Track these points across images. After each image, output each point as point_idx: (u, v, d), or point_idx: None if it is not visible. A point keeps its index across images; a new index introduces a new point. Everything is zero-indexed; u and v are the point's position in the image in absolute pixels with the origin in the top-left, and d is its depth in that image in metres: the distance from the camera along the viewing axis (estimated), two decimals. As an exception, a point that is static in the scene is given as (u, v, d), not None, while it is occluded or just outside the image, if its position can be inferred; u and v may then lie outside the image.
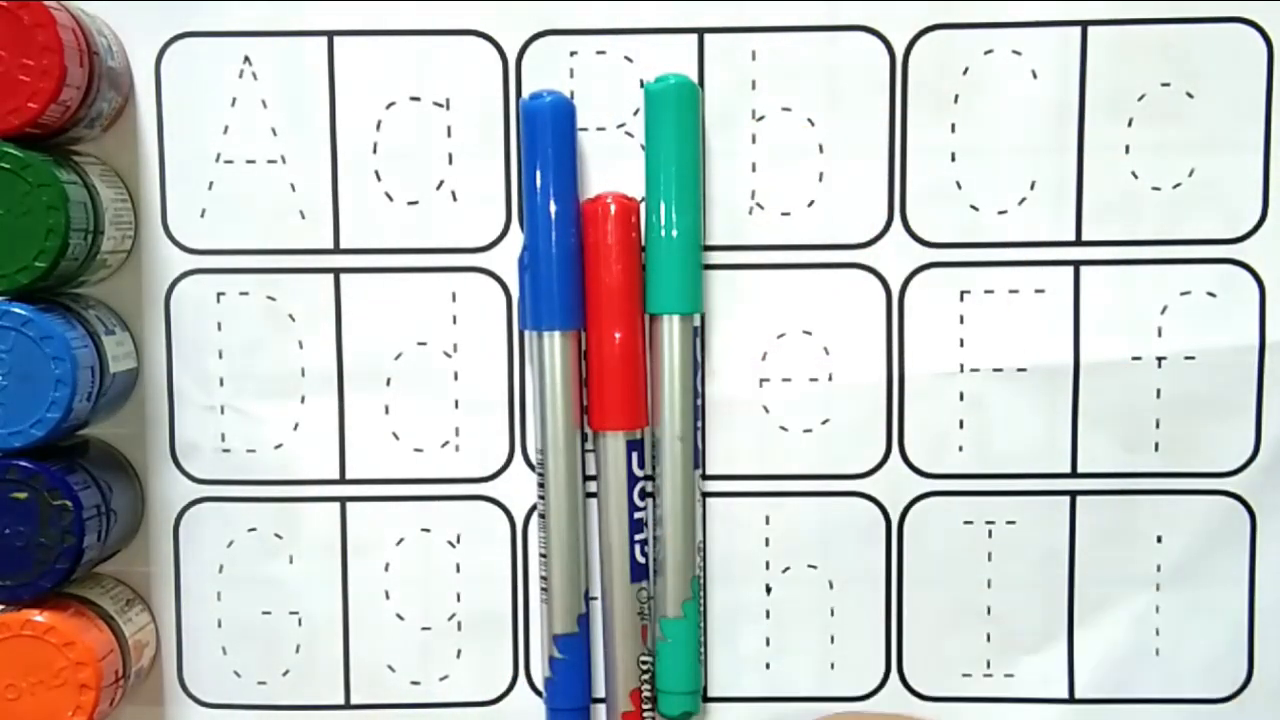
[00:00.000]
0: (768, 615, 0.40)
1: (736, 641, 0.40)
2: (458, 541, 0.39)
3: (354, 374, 0.39)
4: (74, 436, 0.38)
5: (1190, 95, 0.38)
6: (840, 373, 0.39)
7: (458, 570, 0.40)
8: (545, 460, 0.38)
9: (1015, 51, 0.38)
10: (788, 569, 0.39)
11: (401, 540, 0.39)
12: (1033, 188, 0.38)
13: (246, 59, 0.38)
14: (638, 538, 0.38)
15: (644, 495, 0.38)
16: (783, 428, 0.39)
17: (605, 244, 0.37)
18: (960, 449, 0.39)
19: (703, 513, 0.39)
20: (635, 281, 0.38)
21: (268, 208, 0.39)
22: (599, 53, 0.38)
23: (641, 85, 0.38)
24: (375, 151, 0.38)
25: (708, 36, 0.38)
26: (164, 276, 0.39)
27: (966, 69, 0.38)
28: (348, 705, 0.40)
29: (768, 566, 0.39)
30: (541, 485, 0.38)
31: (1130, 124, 0.38)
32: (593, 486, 0.39)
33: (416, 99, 0.38)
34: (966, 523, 0.39)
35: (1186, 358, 0.38)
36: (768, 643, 0.40)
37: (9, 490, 0.35)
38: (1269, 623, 0.39)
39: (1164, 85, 0.38)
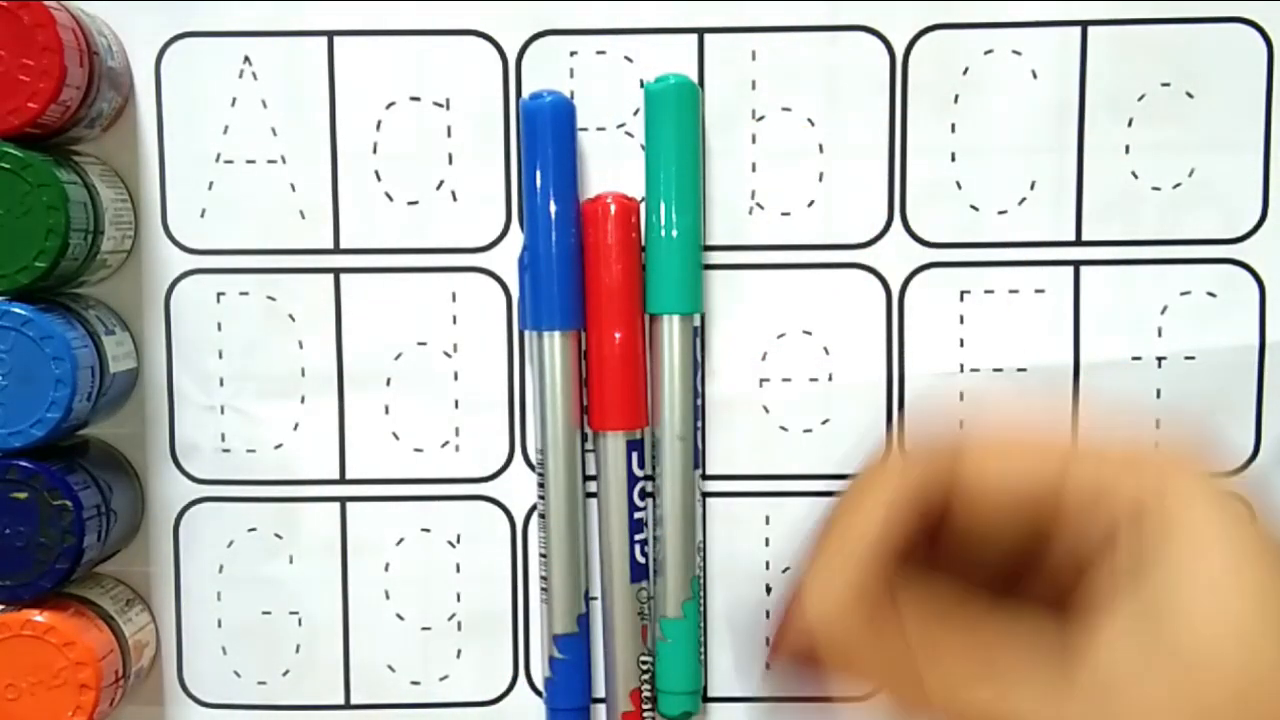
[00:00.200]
0: (768, 615, 0.40)
1: (737, 642, 0.40)
2: (458, 541, 0.39)
3: (354, 374, 0.39)
4: (74, 436, 0.38)
5: (1190, 95, 0.38)
6: (840, 373, 0.39)
7: (458, 570, 0.40)
8: (545, 460, 0.38)
9: (1015, 51, 0.38)
10: (788, 569, 0.39)
11: (401, 540, 0.39)
12: (1033, 188, 0.38)
13: (246, 59, 0.38)
14: (638, 538, 0.38)
15: (644, 495, 0.38)
16: (783, 428, 0.39)
17: (605, 244, 0.37)
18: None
19: (703, 513, 0.39)
20: (635, 281, 0.38)
21: (268, 208, 0.39)
22: (599, 53, 0.38)
23: (641, 85, 0.38)
24: (375, 151, 0.38)
25: (708, 36, 0.38)
26: (164, 276, 0.39)
27: (966, 69, 0.38)
28: (348, 705, 0.40)
29: (768, 566, 0.39)
30: (541, 485, 0.38)
31: (1130, 124, 0.38)
32: (593, 486, 0.39)
33: (416, 99, 0.38)
34: (966, 523, 0.39)
35: (1186, 358, 0.38)
36: (767, 642, 0.40)
37: (9, 490, 0.35)
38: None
39: (1164, 85, 0.38)
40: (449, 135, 0.38)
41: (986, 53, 0.38)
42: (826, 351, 0.39)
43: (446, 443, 0.39)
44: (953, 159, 0.38)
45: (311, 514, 0.39)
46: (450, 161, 0.38)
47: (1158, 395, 0.39)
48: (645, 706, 0.38)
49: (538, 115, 0.37)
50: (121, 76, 0.38)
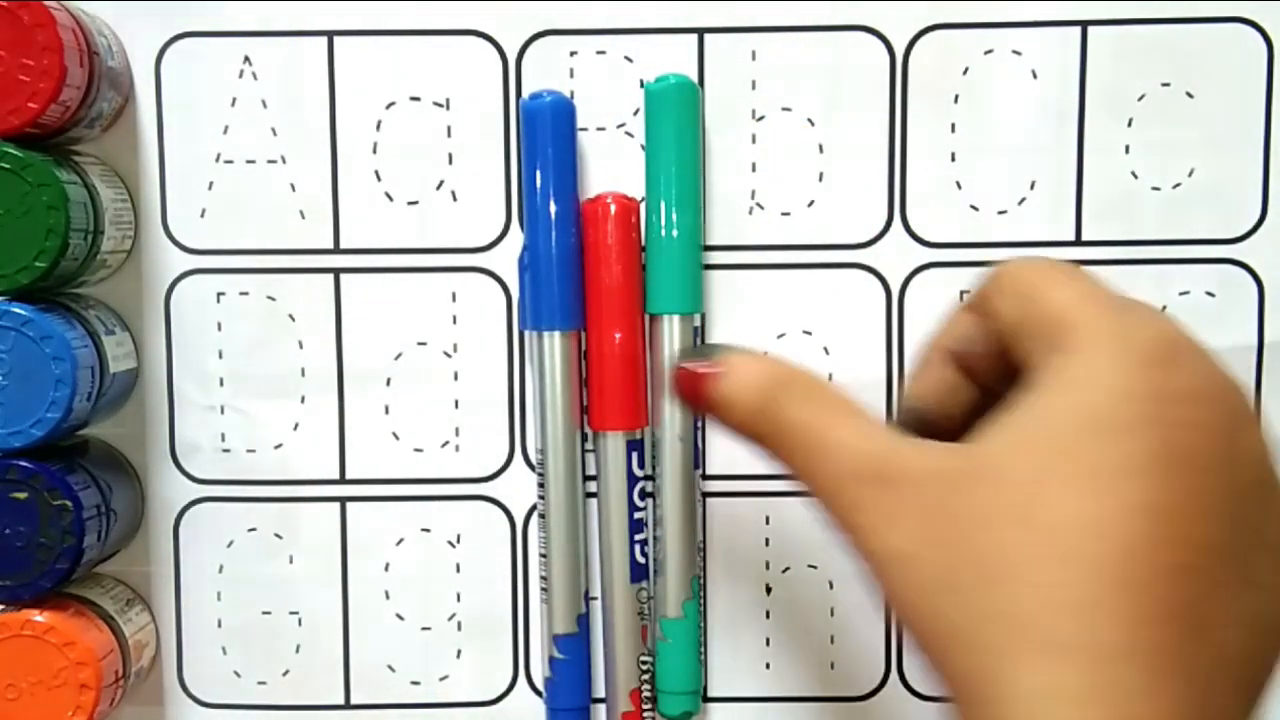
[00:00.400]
0: (768, 615, 0.40)
1: (736, 641, 0.40)
2: (458, 541, 0.39)
3: (354, 374, 0.39)
4: (74, 436, 0.38)
5: (1190, 95, 0.38)
6: (840, 373, 0.39)
7: (458, 570, 0.40)
8: (545, 460, 0.38)
9: (1015, 51, 0.38)
10: (788, 569, 0.39)
11: (401, 540, 0.39)
12: (1033, 188, 0.38)
13: (246, 59, 0.38)
14: (638, 538, 0.38)
15: (644, 495, 0.38)
16: (783, 428, 0.39)
17: (605, 244, 0.37)
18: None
19: (703, 513, 0.39)
20: (635, 281, 0.38)
21: (268, 208, 0.39)
22: (599, 53, 0.38)
23: (641, 85, 0.38)
24: (375, 151, 0.38)
25: (708, 36, 0.38)
26: (164, 276, 0.39)
27: (966, 69, 0.38)
28: (348, 705, 0.40)
29: (768, 566, 0.39)
30: (541, 485, 0.38)
31: (1130, 124, 0.38)
32: (593, 486, 0.39)
33: (416, 99, 0.38)
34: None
35: (1186, 358, 0.38)
36: (768, 643, 0.40)
37: (9, 490, 0.35)
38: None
39: (1164, 85, 0.38)
40: (449, 135, 0.38)
41: (986, 53, 0.38)
42: (826, 351, 0.39)
43: (446, 443, 0.39)
44: (953, 159, 0.38)
45: (311, 514, 0.39)
46: (450, 161, 0.38)
47: (1158, 395, 0.38)
48: (645, 706, 0.38)
49: (538, 115, 0.37)
50: (121, 76, 0.38)
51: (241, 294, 0.39)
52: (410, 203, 0.39)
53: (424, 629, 0.40)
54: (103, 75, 0.36)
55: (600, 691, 0.39)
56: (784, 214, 0.38)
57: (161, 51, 0.38)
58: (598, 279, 0.37)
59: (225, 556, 0.39)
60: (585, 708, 0.39)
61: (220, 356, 0.39)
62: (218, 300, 0.39)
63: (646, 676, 0.38)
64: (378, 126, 0.38)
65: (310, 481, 0.39)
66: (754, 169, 0.38)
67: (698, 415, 0.33)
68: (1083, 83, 0.38)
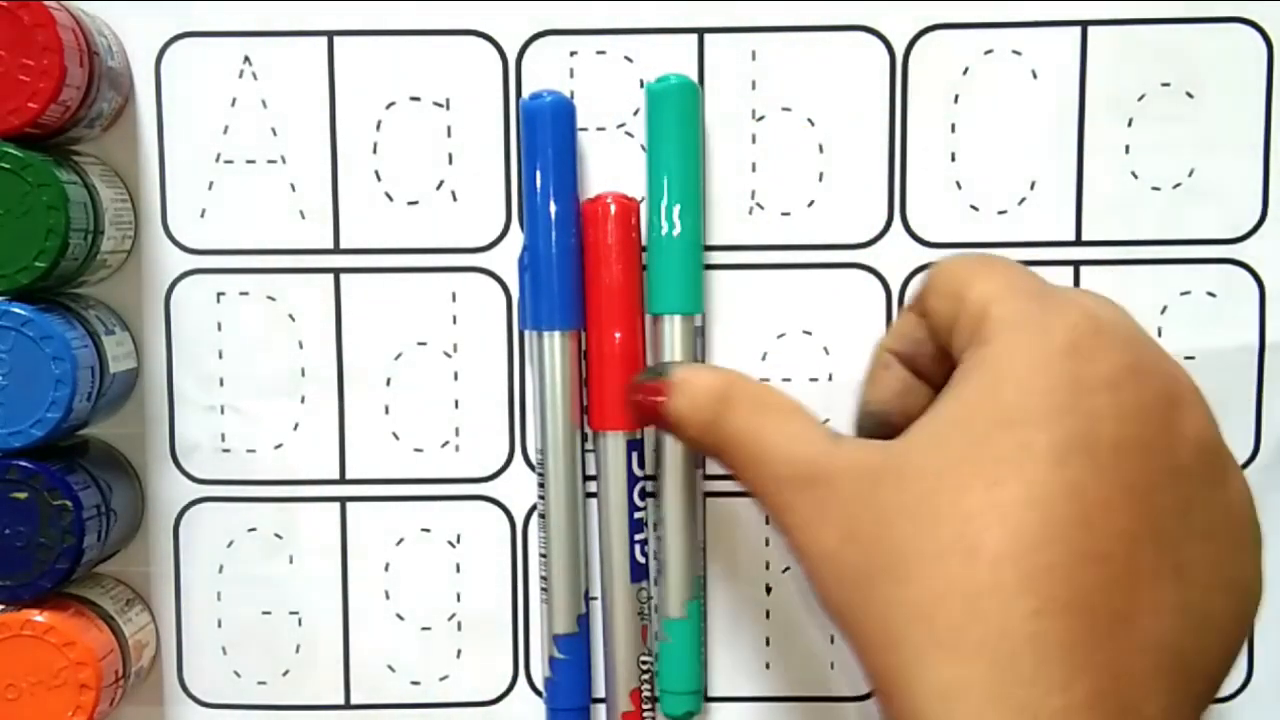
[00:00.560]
0: (768, 615, 0.40)
1: (736, 641, 0.40)
2: (458, 541, 0.39)
3: (354, 374, 0.39)
4: (74, 436, 0.38)
5: (1190, 95, 0.38)
6: (840, 373, 0.39)
7: (458, 570, 0.40)
8: (545, 460, 0.38)
9: (1015, 51, 0.38)
10: (788, 569, 0.39)
11: (401, 540, 0.39)
12: (1033, 188, 0.38)
13: (246, 59, 0.38)
14: (638, 538, 0.38)
15: (644, 495, 0.38)
16: (783, 428, 0.39)
17: (605, 244, 0.37)
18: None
19: (703, 512, 0.39)
20: (635, 281, 0.38)
21: (268, 208, 0.39)
22: (599, 53, 0.38)
23: (642, 85, 0.38)
24: (375, 151, 0.38)
25: (708, 36, 0.38)
26: (164, 276, 0.39)
27: (966, 69, 0.38)
28: (348, 705, 0.40)
29: (768, 566, 0.39)
30: (541, 485, 0.38)
31: (1130, 124, 0.38)
32: (593, 486, 0.39)
33: (416, 99, 0.38)
34: (966, 523, 0.39)
35: (1186, 358, 0.38)
36: (768, 643, 0.40)
37: (9, 490, 0.35)
38: (1269, 623, 0.39)
39: (1164, 85, 0.38)
40: (449, 135, 0.38)
41: (986, 53, 0.38)
42: (826, 351, 0.39)
43: (446, 443, 0.39)
44: (953, 159, 0.38)
45: (311, 514, 0.39)
46: (450, 161, 0.38)
47: (1158, 395, 0.38)
48: (645, 706, 0.38)
49: (538, 115, 0.37)
50: (121, 76, 0.38)
51: (241, 294, 0.39)
52: (410, 203, 0.39)
53: (424, 629, 0.40)
54: (103, 75, 0.36)
55: (600, 691, 0.39)
56: (784, 214, 0.38)
57: (161, 51, 0.38)
58: (598, 279, 0.37)
59: (225, 556, 0.39)
60: (585, 708, 0.39)
61: (220, 356, 0.39)
62: (218, 300, 0.39)
63: (646, 676, 0.38)
64: (378, 126, 0.38)
65: (310, 481, 0.39)
66: (754, 169, 0.38)
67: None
68: (1083, 83, 0.38)
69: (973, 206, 0.38)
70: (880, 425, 0.31)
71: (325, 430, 0.39)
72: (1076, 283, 0.38)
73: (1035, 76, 0.38)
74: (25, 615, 0.35)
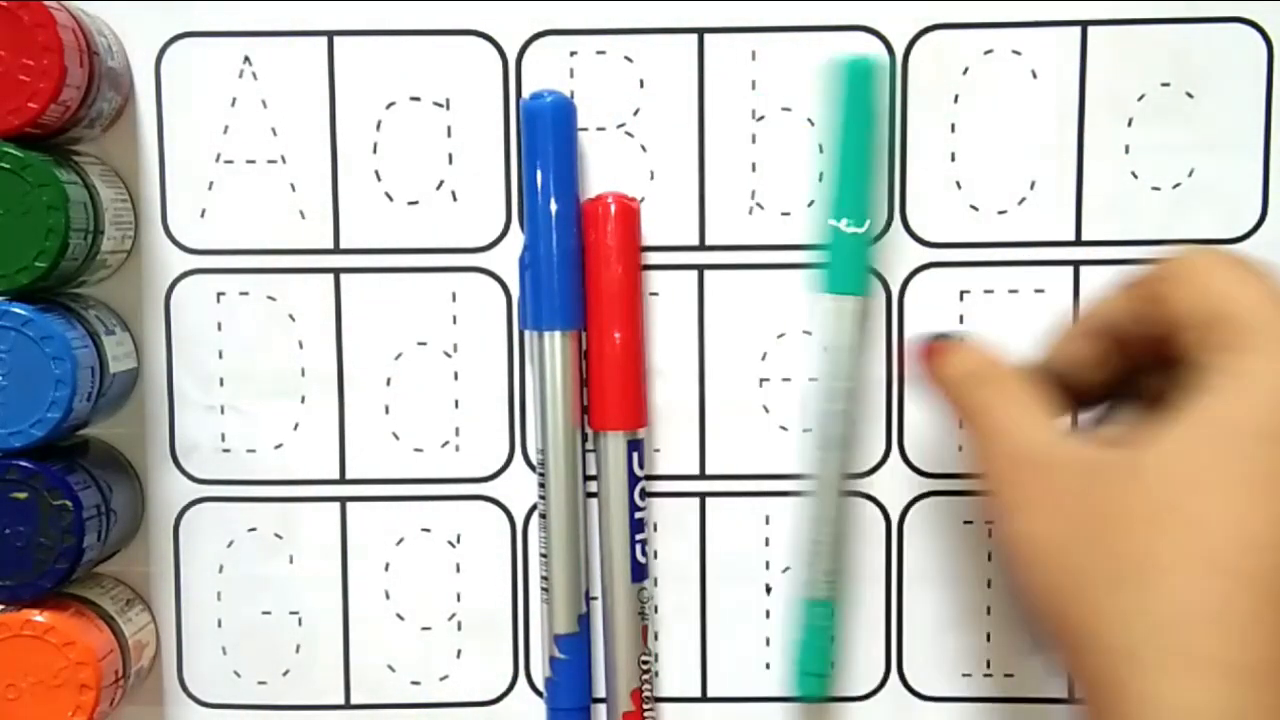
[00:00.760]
0: (768, 615, 0.40)
1: (736, 641, 0.40)
2: (458, 541, 0.39)
3: (354, 374, 0.39)
4: (74, 436, 0.38)
5: (1190, 95, 0.38)
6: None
7: (458, 570, 0.40)
8: (545, 460, 0.38)
9: (1015, 51, 0.38)
10: (788, 569, 0.39)
11: (401, 540, 0.39)
12: (1033, 188, 0.38)
13: (246, 59, 0.38)
14: (638, 538, 0.38)
15: (644, 495, 0.38)
16: (783, 428, 0.39)
17: (605, 244, 0.37)
18: (960, 449, 0.39)
19: (703, 513, 0.39)
20: (635, 281, 0.38)
21: (268, 208, 0.39)
22: (599, 53, 0.38)
23: (827, 62, 0.37)
24: (375, 151, 0.38)
25: (708, 36, 0.38)
26: (164, 276, 0.39)
27: (966, 69, 0.38)
28: (348, 705, 0.40)
29: (768, 566, 0.39)
30: (541, 485, 0.38)
31: (1130, 124, 0.38)
32: (593, 486, 0.39)
33: (416, 99, 0.38)
34: (966, 523, 0.39)
35: (1186, 358, 0.38)
36: (767, 643, 0.40)
37: (9, 490, 0.35)
38: None
39: (1164, 85, 0.38)
40: (449, 135, 0.38)
41: (986, 53, 0.38)
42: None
43: (446, 443, 0.39)
44: (953, 159, 0.38)
45: (311, 514, 0.39)
46: (450, 161, 0.38)
47: (1158, 395, 0.38)
48: (646, 707, 0.38)
49: (538, 115, 0.37)
50: (121, 76, 0.38)
51: (241, 294, 0.39)
52: (410, 203, 0.39)
53: (424, 629, 0.40)
54: (103, 75, 0.36)
55: (601, 691, 0.39)
56: (784, 214, 0.38)
57: (161, 51, 0.38)
58: (598, 279, 0.37)
59: (225, 556, 0.39)
60: (586, 708, 0.39)
61: (220, 356, 0.39)
62: (218, 300, 0.39)
63: (646, 676, 0.38)
64: (378, 126, 0.38)
65: (310, 481, 0.39)
66: (754, 169, 0.38)
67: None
68: (1083, 83, 0.38)
69: (973, 206, 0.38)
70: (1058, 381, 0.32)
71: (325, 430, 0.39)
72: (1077, 282, 0.38)
73: (1035, 76, 0.38)
74: (25, 615, 0.35)
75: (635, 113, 0.38)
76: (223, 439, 0.39)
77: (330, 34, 0.38)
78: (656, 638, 0.39)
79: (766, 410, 0.39)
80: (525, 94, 0.38)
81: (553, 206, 0.37)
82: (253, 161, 0.38)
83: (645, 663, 0.38)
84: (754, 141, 0.38)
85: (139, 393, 0.39)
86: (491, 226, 0.39)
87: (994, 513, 0.29)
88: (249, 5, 0.38)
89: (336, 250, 0.39)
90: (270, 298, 0.39)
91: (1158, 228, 0.38)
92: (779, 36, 0.38)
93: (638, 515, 0.38)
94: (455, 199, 0.39)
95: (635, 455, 0.38)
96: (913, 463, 0.39)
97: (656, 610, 0.39)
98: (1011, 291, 0.38)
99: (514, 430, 0.39)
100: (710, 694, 0.40)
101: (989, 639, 0.39)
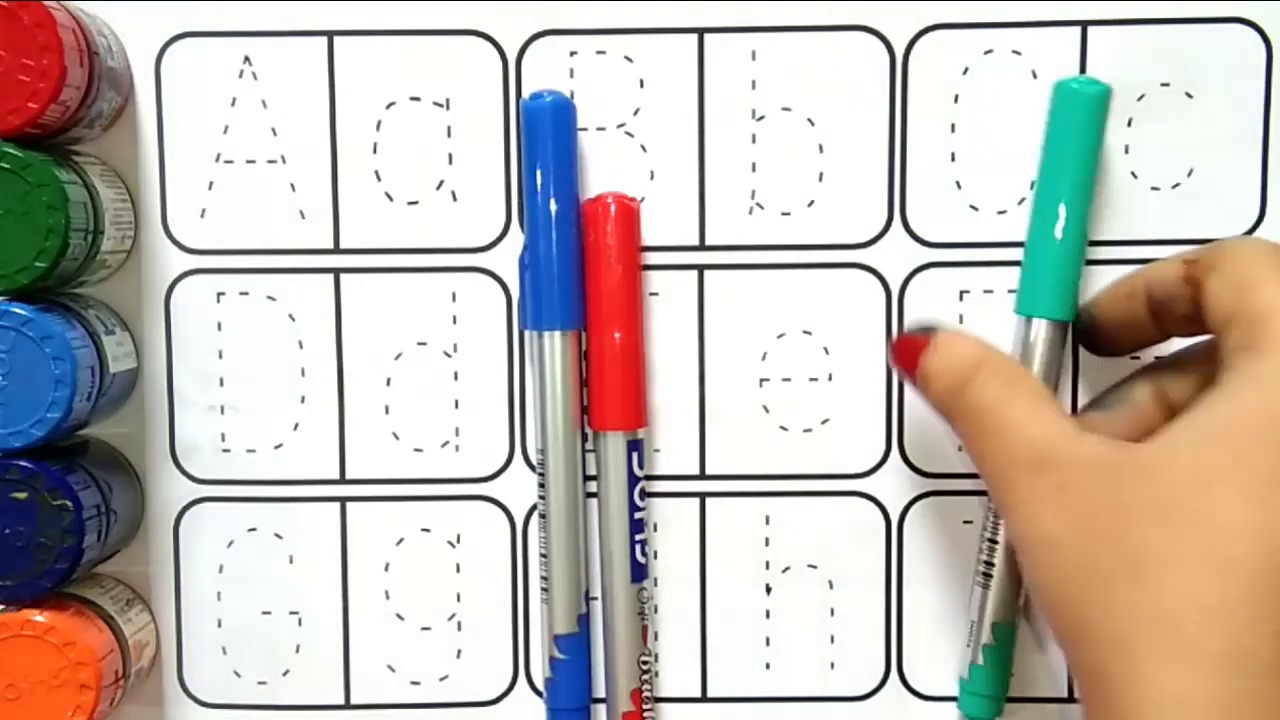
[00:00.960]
0: (768, 615, 0.40)
1: (736, 641, 0.40)
2: (458, 541, 0.39)
3: (354, 374, 0.39)
4: (74, 436, 0.38)
5: (1190, 95, 0.38)
6: (840, 373, 0.39)
7: (458, 570, 0.40)
8: (545, 460, 0.38)
9: (1015, 51, 0.38)
10: (788, 569, 0.39)
11: (401, 540, 0.39)
12: (1033, 188, 0.38)
13: (246, 59, 0.38)
14: (638, 538, 0.38)
15: (644, 495, 0.38)
16: (783, 428, 0.39)
17: (605, 244, 0.37)
18: (960, 449, 0.39)
19: (702, 513, 0.39)
20: (635, 281, 0.38)
21: (268, 208, 0.39)
22: (599, 53, 0.38)
23: (1052, 86, 0.36)
24: (375, 151, 0.38)
25: (708, 36, 0.38)
26: (164, 276, 0.39)
27: (966, 69, 0.38)
28: (348, 705, 0.40)
29: (768, 566, 0.39)
30: (541, 485, 0.38)
31: (1130, 124, 0.38)
32: (593, 486, 0.39)
33: (416, 99, 0.38)
34: (966, 523, 0.39)
35: (1186, 358, 0.38)
36: (768, 643, 0.40)
37: (9, 490, 0.35)
38: None
39: (1164, 85, 0.38)
40: (449, 135, 0.38)
41: (986, 53, 0.38)
42: (826, 351, 0.39)
43: (446, 443, 0.39)
44: (953, 159, 0.38)
45: (311, 514, 0.39)
46: (450, 161, 0.38)
47: (1158, 395, 0.38)
48: (646, 707, 0.38)
49: (538, 115, 0.37)
50: (121, 76, 0.38)
51: (241, 294, 0.39)
52: (410, 203, 0.39)
53: (424, 629, 0.40)
54: (103, 75, 0.36)
55: (600, 691, 0.39)
56: (784, 214, 0.38)
57: (161, 51, 0.38)
58: (598, 279, 0.37)
59: (225, 556, 0.39)
60: (585, 708, 0.39)
61: (220, 356, 0.39)
62: (218, 300, 0.39)
63: (646, 677, 0.38)
64: (378, 126, 0.38)
65: (310, 481, 0.39)
66: (754, 169, 0.38)
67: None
68: (1083, 83, 0.38)
69: (973, 206, 0.38)
70: (1091, 323, 0.34)
71: (325, 430, 0.39)
72: (1076, 283, 0.38)
73: (1035, 76, 0.38)
74: (25, 615, 0.35)
75: (635, 113, 0.38)
76: (223, 439, 0.39)
77: (330, 34, 0.38)
78: (656, 638, 0.39)
79: (766, 410, 0.39)
80: (525, 94, 0.38)
81: (552, 206, 0.37)
82: (253, 161, 0.38)
83: (645, 663, 0.38)
84: (754, 141, 0.38)
85: (139, 393, 0.39)
86: (491, 226, 0.39)
87: (1002, 509, 0.29)
88: (249, 5, 0.38)
89: (336, 250, 0.39)
90: (270, 298, 0.39)
91: (1158, 228, 0.38)
92: (779, 36, 0.38)
93: (638, 515, 0.38)
94: (455, 199, 0.39)
95: (635, 455, 0.38)
96: (913, 463, 0.39)
97: (656, 610, 0.39)
98: (1011, 291, 0.38)
99: (514, 430, 0.39)
100: (710, 694, 0.40)
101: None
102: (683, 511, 0.39)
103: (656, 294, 0.39)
